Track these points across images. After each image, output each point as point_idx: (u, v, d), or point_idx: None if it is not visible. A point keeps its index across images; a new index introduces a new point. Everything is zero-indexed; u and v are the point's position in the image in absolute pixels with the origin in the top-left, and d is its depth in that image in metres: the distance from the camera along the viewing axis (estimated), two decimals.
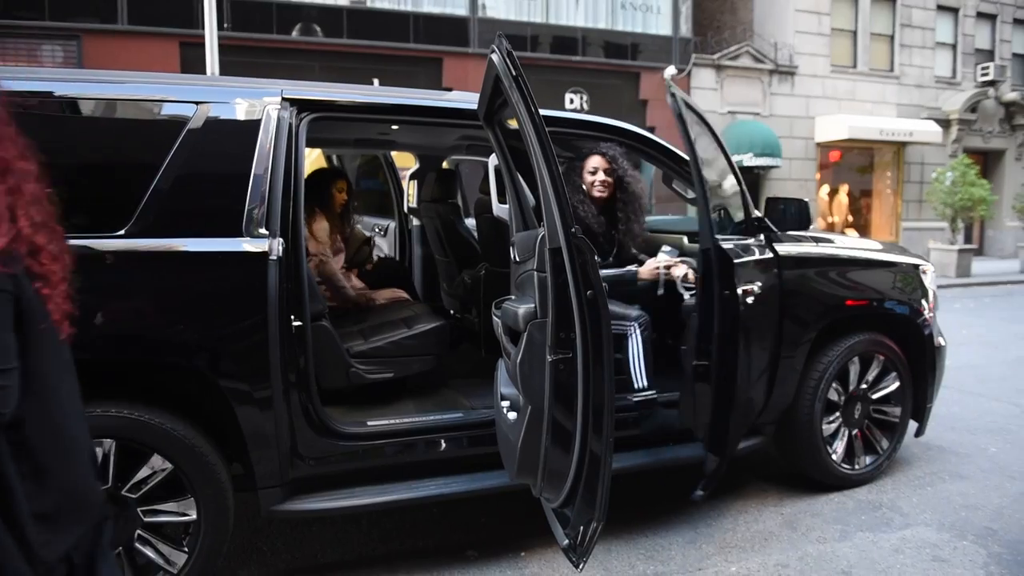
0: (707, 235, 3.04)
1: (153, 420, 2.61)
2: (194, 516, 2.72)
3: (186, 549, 2.73)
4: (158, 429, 2.62)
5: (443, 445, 3.14)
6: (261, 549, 3.32)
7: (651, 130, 3.95)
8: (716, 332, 3.09)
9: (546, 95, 14.34)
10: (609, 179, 3.65)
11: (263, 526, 3.47)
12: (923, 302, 4.13)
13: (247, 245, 2.73)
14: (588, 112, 14.22)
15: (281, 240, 2.76)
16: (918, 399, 4.13)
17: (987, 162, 20.79)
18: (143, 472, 2.65)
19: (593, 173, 3.64)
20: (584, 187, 3.65)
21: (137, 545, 2.68)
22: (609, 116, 3.73)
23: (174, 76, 3.17)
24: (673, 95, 3.12)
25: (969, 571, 3.14)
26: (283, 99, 2.94)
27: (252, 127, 2.86)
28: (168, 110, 2.85)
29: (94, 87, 2.81)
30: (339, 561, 3.26)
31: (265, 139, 2.85)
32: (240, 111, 2.89)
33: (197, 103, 2.80)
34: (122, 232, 2.60)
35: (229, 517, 2.79)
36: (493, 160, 4.84)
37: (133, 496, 2.66)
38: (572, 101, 15.60)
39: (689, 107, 3.22)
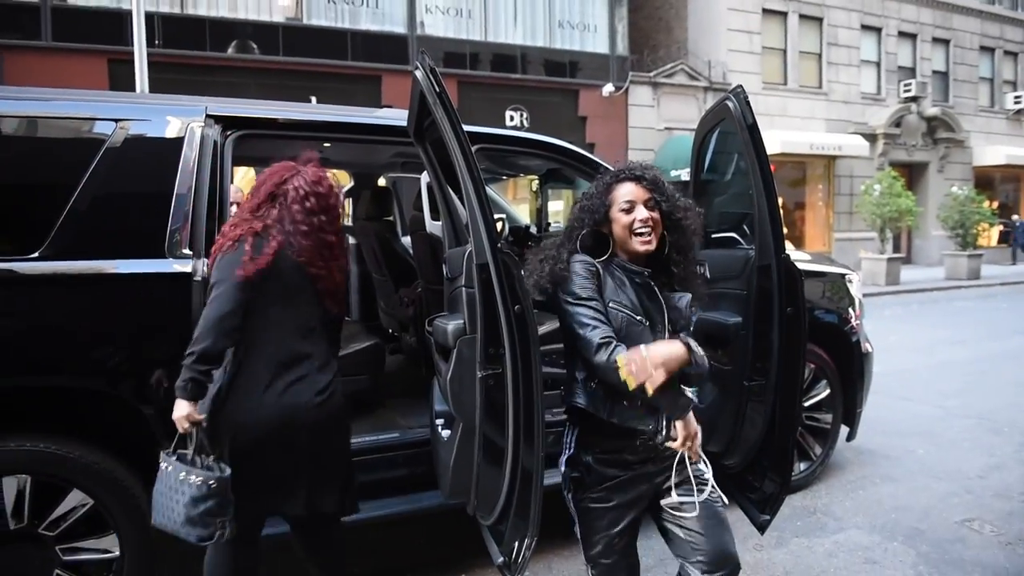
0: (768, 251, 2.89)
1: (71, 453, 2.51)
2: (116, 552, 2.61)
3: None
4: (77, 462, 2.51)
5: (379, 466, 3.09)
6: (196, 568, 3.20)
7: (590, 147, 3.86)
8: (778, 349, 2.86)
9: (486, 112, 14.43)
10: (655, 215, 2.11)
11: (191, 557, 3.34)
12: (850, 310, 4.26)
13: (170, 266, 2.65)
14: (528, 129, 14.34)
15: (205, 260, 2.68)
16: (848, 405, 4.25)
17: (912, 174, 21.70)
18: (61, 508, 2.54)
19: (628, 211, 2.10)
20: (615, 236, 2.15)
21: None
22: (549, 133, 3.74)
23: (93, 93, 3.07)
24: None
25: (899, 572, 3.23)
26: (207, 116, 2.87)
27: (175, 145, 2.78)
28: (85, 128, 2.75)
29: (6, 104, 2.70)
30: None
31: (189, 157, 2.78)
32: (162, 129, 2.81)
33: (116, 121, 2.72)
34: (36, 255, 2.50)
35: (153, 552, 2.68)
36: (426, 177, 4.83)
37: (51, 534, 2.54)
38: (512, 118, 15.72)
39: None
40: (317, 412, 2.30)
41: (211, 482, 2.17)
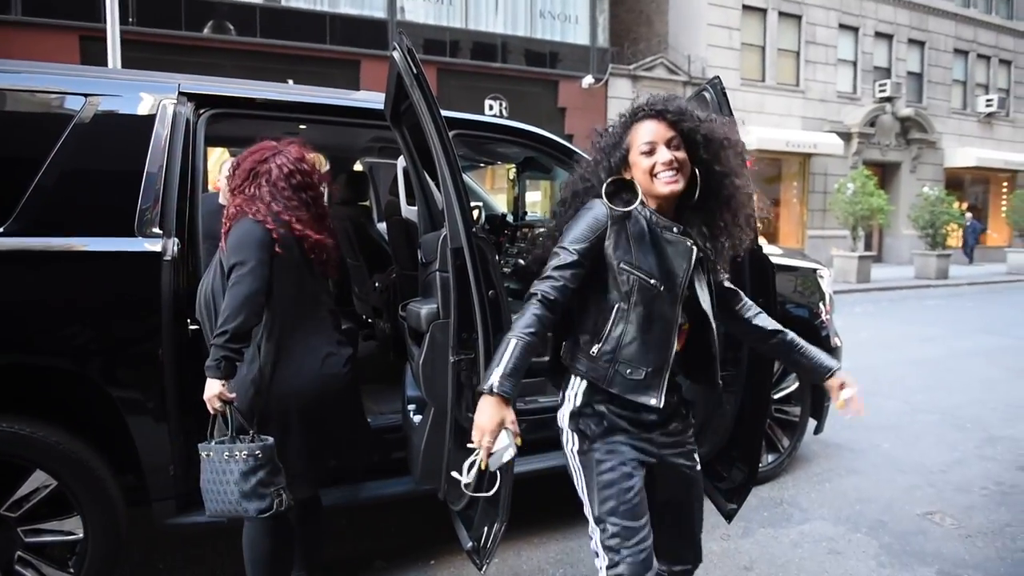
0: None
1: (35, 433, 2.46)
2: (80, 535, 2.57)
3: (72, 570, 2.57)
4: (41, 443, 2.46)
5: None
6: (157, 567, 3.17)
7: (569, 138, 3.83)
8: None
9: (466, 100, 14.37)
10: (680, 155, 1.85)
11: (160, 542, 3.32)
12: (820, 305, 4.31)
13: (140, 245, 2.61)
14: (508, 119, 14.28)
15: (176, 240, 2.64)
16: (816, 398, 4.30)
17: (884, 174, 22.01)
18: (24, 489, 2.49)
19: (650, 152, 1.85)
20: (636, 181, 1.89)
21: (18, 568, 2.51)
22: (528, 123, 3.72)
23: (62, 67, 2.99)
24: None
25: (862, 562, 3.28)
26: (180, 94, 2.82)
27: (146, 122, 2.73)
28: (54, 102, 2.69)
29: None
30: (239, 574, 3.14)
31: (160, 135, 2.73)
32: (133, 105, 2.76)
33: (86, 96, 2.66)
34: (0, 230, 2.44)
35: (119, 534, 2.64)
36: (402, 162, 4.80)
37: (13, 515, 2.49)
38: (492, 107, 15.67)
39: None
40: (346, 379, 2.45)
41: (257, 452, 2.22)
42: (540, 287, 1.80)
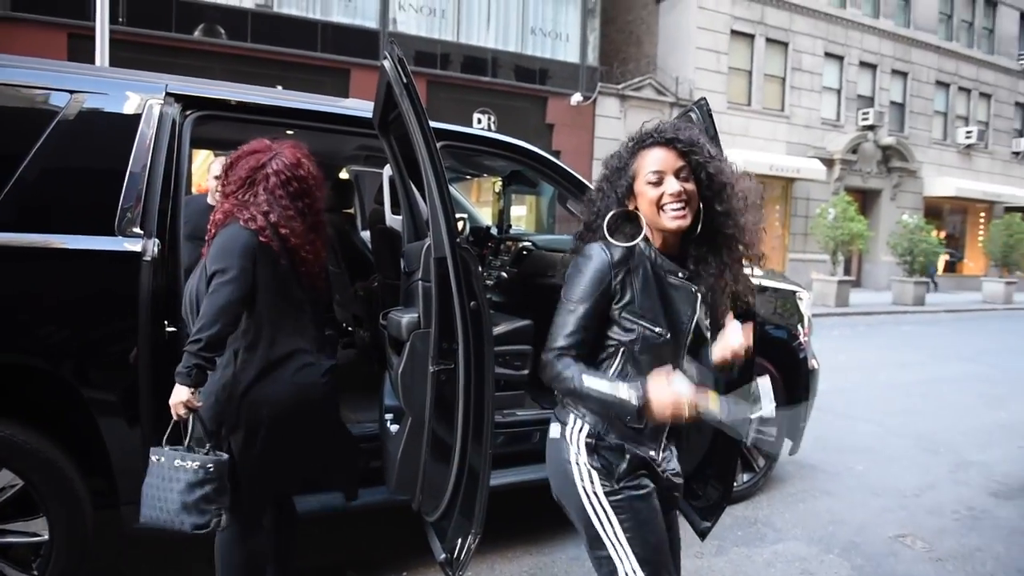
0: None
1: (3, 431, 2.41)
2: (46, 536, 2.52)
3: (35, 572, 2.52)
4: (7, 441, 2.42)
5: None
6: (123, 572, 3.12)
7: (556, 154, 3.82)
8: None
9: (455, 113, 14.39)
10: (690, 187, 1.75)
11: (128, 548, 3.26)
12: (799, 327, 4.34)
13: (120, 244, 2.58)
14: (495, 132, 14.33)
15: (157, 241, 2.62)
16: (793, 420, 4.32)
17: (865, 200, 22.28)
18: None
19: (657, 183, 1.74)
20: (643, 214, 1.79)
21: None
22: (516, 137, 3.73)
23: (48, 62, 2.96)
24: None
25: None
26: (167, 94, 2.80)
27: (131, 122, 2.71)
28: (38, 97, 2.66)
29: None
30: None
31: (145, 135, 2.71)
32: (119, 104, 2.74)
33: (71, 92, 2.64)
34: None
35: (86, 537, 2.59)
36: (388, 171, 4.79)
37: None
38: (480, 121, 15.71)
39: None
40: (324, 390, 2.38)
41: (208, 466, 2.16)
42: (565, 343, 1.71)
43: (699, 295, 1.78)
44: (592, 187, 1.90)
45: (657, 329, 1.72)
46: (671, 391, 1.56)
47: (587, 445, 1.75)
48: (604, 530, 1.74)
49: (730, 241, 1.79)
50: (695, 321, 1.78)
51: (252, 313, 2.29)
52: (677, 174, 1.73)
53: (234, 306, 2.19)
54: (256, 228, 2.27)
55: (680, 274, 1.78)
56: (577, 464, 1.76)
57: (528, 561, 3.36)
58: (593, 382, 1.65)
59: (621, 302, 1.71)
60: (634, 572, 1.72)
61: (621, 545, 1.73)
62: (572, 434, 1.78)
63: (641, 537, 1.73)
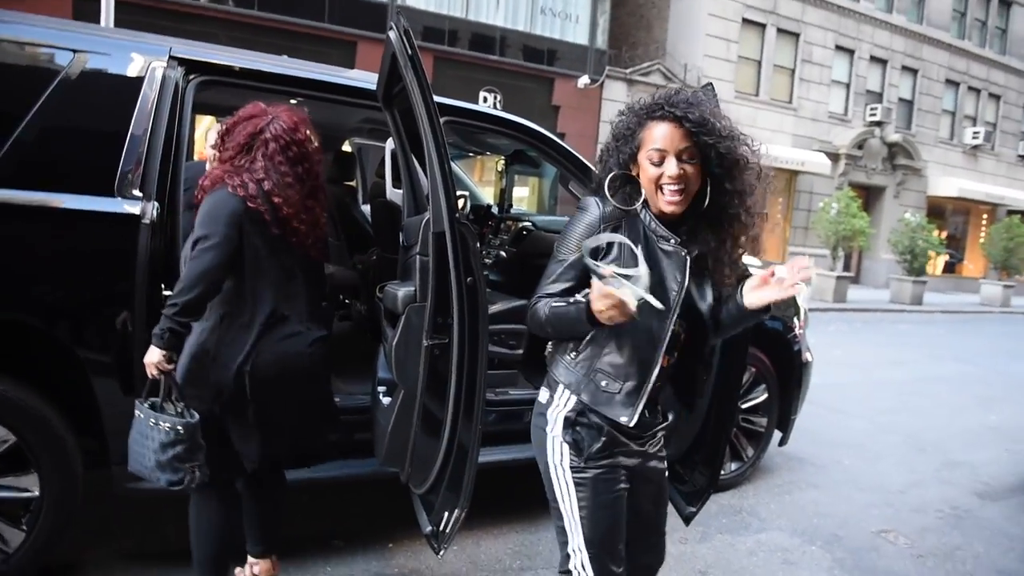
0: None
1: None
2: (36, 492, 2.54)
3: (24, 527, 2.55)
4: (1, 396, 2.43)
5: None
6: (112, 531, 3.15)
7: (561, 136, 3.79)
8: (720, 346, 2.80)
9: (461, 91, 14.28)
10: (689, 168, 1.71)
11: (120, 508, 3.28)
12: (795, 319, 4.35)
13: (119, 206, 2.58)
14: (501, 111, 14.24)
15: (156, 204, 2.62)
16: (784, 411, 4.35)
17: (869, 197, 22.26)
18: None
19: (658, 162, 1.71)
20: (641, 190, 1.78)
21: None
22: (521, 118, 3.71)
23: (52, 20, 2.95)
24: None
25: (814, 574, 3.33)
26: (171, 58, 2.79)
27: (134, 83, 2.70)
28: (42, 55, 2.65)
29: None
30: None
31: (148, 97, 2.70)
32: (123, 65, 2.72)
33: (75, 51, 2.63)
34: None
35: (76, 495, 2.62)
36: (391, 144, 4.78)
37: None
38: (486, 99, 15.63)
39: None
40: (310, 360, 2.36)
41: (179, 427, 2.17)
42: (544, 303, 1.73)
43: (688, 259, 1.74)
44: (602, 147, 1.88)
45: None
46: (601, 289, 1.53)
47: (565, 419, 1.78)
48: (563, 502, 1.80)
49: (733, 220, 1.76)
50: (684, 288, 1.74)
51: (239, 280, 2.27)
52: (680, 155, 1.69)
53: (213, 272, 2.18)
54: (245, 195, 2.24)
55: (673, 240, 1.76)
56: (552, 436, 1.81)
57: (513, 538, 3.40)
58: (557, 303, 1.70)
59: (607, 257, 1.70)
60: (580, 550, 1.79)
61: (574, 520, 1.79)
62: (554, 406, 1.81)
63: (594, 518, 1.77)
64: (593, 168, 1.93)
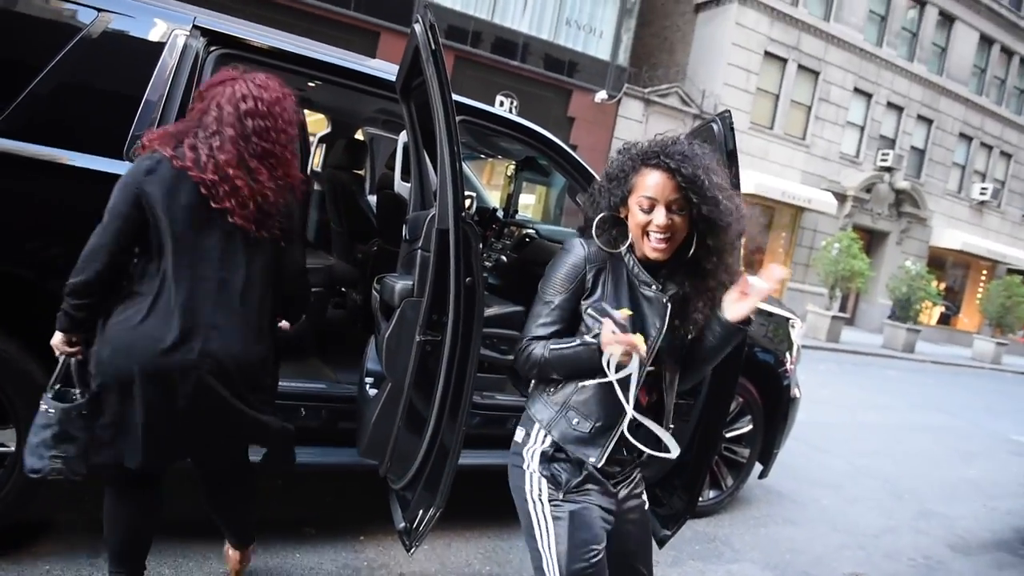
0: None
1: None
2: (12, 448, 2.52)
3: None
4: None
5: (302, 413, 3.05)
6: (90, 495, 3.12)
7: (573, 148, 3.74)
8: (712, 373, 2.84)
9: (479, 93, 14.28)
10: (678, 219, 1.76)
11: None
12: (787, 354, 4.35)
13: (125, 169, 2.56)
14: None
15: None
16: (767, 443, 4.35)
17: (872, 240, 22.31)
18: None
19: (647, 209, 1.76)
20: (628, 233, 1.82)
21: None
22: (536, 125, 3.69)
23: None
24: None
25: None
26: (194, 27, 2.78)
27: (154, 49, 2.69)
28: (65, 11, 2.63)
29: None
30: (172, 521, 3.09)
31: (167, 64, 2.69)
32: (145, 29, 2.71)
33: (99, 10, 2.62)
34: None
35: None
36: (404, 137, 4.78)
37: None
38: (503, 103, 15.65)
39: None
40: (186, 364, 1.97)
41: (50, 410, 2.03)
42: (534, 345, 1.79)
43: (669, 307, 1.78)
44: (594, 185, 1.92)
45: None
46: (610, 329, 1.60)
47: (542, 454, 1.81)
48: (541, 539, 1.80)
49: (709, 274, 1.80)
50: (663, 334, 1.78)
51: (148, 261, 2.03)
52: (669, 206, 1.74)
53: (100, 252, 1.97)
54: (173, 159, 2.01)
55: (654, 286, 1.80)
56: (529, 471, 1.84)
57: (484, 543, 3.38)
58: (558, 346, 1.75)
59: (590, 297, 1.77)
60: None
61: (551, 557, 1.77)
62: (531, 444, 1.84)
63: (572, 555, 1.76)
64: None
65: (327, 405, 3.10)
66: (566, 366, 1.75)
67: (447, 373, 2.16)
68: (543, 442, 1.82)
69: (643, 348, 1.59)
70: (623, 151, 1.86)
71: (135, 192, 2.00)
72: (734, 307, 1.74)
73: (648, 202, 1.74)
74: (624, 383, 1.65)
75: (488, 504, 3.67)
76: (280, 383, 2.95)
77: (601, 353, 1.63)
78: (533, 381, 1.92)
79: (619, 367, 1.61)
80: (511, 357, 3.66)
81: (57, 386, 2.11)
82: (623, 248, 1.79)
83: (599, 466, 1.78)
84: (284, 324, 2.42)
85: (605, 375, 1.64)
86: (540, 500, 1.80)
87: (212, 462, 2.34)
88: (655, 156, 1.75)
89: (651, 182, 1.74)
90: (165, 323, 1.98)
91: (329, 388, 3.18)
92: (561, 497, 1.78)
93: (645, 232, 1.76)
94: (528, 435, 1.85)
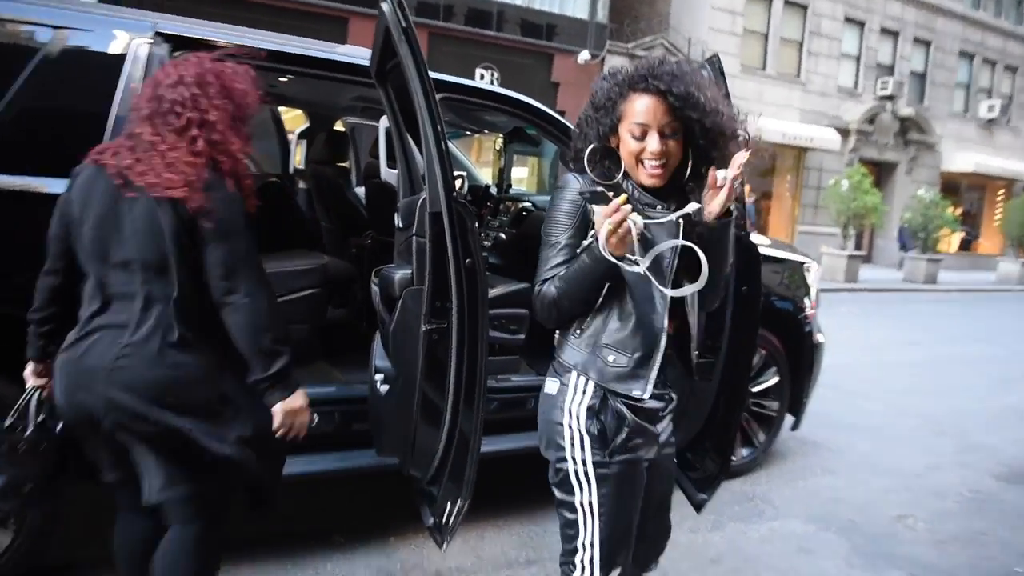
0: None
1: None
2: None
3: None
4: None
5: (314, 420, 3.03)
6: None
7: (561, 114, 3.70)
8: (730, 327, 2.85)
9: (457, 68, 14.06)
10: (672, 143, 1.73)
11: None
12: (806, 299, 4.33)
13: None
14: None
15: None
16: (796, 394, 4.33)
17: (880, 173, 22.17)
18: None
19: (640, 136, 1.72)
20: (620, 162, 1.78)
21: None
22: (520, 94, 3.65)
23: None
24: None
25: (831, 562, 3.32)
26: (156, 34, 2.74)
27: (117, 62, 2.65)
28: (21, 32, 2.60)
29: None
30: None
31: (133, 77, 2.65)
32: (105, 42, 2.68)
33: (55, 27, 2.58)
34: None
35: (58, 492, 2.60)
36: (384, 123, 4.74)
37: None
38: (483, 76, 15.52)
39: None
40: (120, 377, 1.79)
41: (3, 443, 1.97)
42: (548, 284, 1.73)
43: (681, 224, 1.71)
44: (580, 115, 1.86)
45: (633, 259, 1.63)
46: (601, 213, 1.55)
47: (589, 409, 1.74)
48: (580, 496, 1.75)
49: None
50: (677, 252, 1.73)
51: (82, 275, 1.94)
52: (662, 131, 1.70)
53: (41, 277, 1.99)
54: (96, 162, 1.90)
55: (659, 207, 1.74)
56: (570, 427, 1.76)
57: (519, 530, 3.39)
58: (564, 273, 1.70)
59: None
60: (591, 546, 1.75)
61: (590, 516, 1.75)
62: (571, 396, 1.77)
63: (613, 515, 1.75)
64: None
65: (339, 408, 3.10)
66: (578, 282, 1.68)
67: (458, 360, 2.15)
68: (586, 392, 1.76)
69: (628, 207, 1.53)
70: (608, 77, 1.80)
71: (58, 209, 1.94)
72: (711, 204, 1.67)
73: (640, 128, 1.70)
74: (657, 268, 1.62)
75: (517, 489, 3.67)
76: None
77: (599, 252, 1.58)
78: (558, 331, 1.87)
79: (624, 259, 1.57)
80: (522, 336, 3.66)
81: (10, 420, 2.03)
82: (619, 177, 1.74)
83: (646, 397, 1.75)
84: None
85: (621, 277, 1.62)
86: (583, 460, 1.75)
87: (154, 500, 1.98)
88: (643, 80, 1.71)
89: (641, 107, 1.70)
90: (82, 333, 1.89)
91: (339, 390, 3.18)
92: (607, 458, 1.74)
93: (639, 160, 1.73)
94: (565, 386, 1.78)
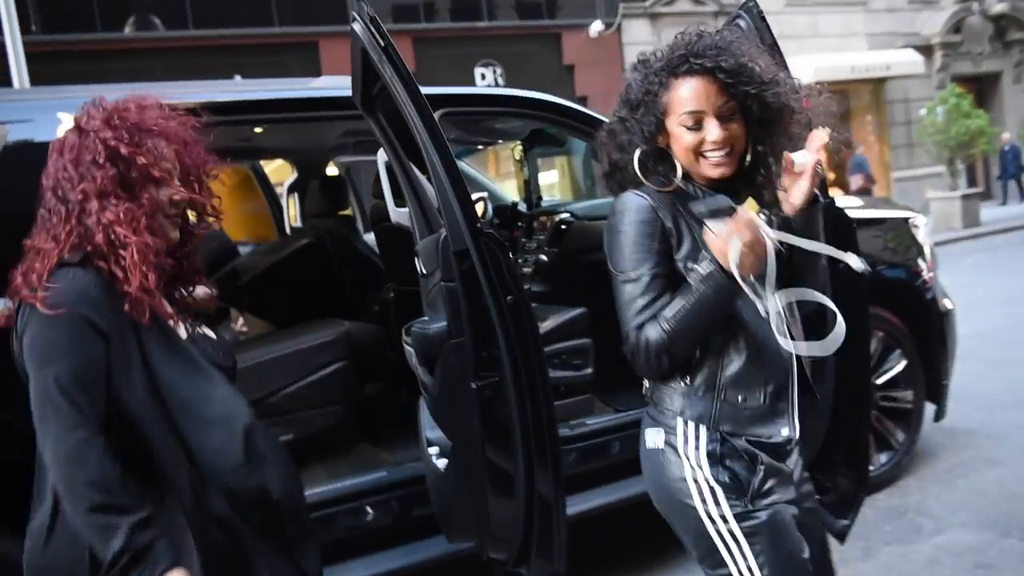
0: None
1: None
2: None
3: None
4: None
5: (369, 514, 3.10)
6: None
7: (582, 101, 3.73)
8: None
9: (451, 72, 14.41)
10: (734, 126, 1.72)
11: None
12: (919, 261, 4.28)
13: None
14: (505, 87, 14.32)
15: None
16: (932, 377, 4.26)
17: (981, 89, 21.75)
18: None
19: (695, 126, 1.71)
20: (675, 155, 1.78)
21: None
22: (531, 88, 3.71)
23: None
24: None
25: (1020, 574, 3.24)
26: None
27: None
28: None
29: None
30: None
31: None
32: (49, 131, 2.78)
33: None
34: None
35: None
36: (383, 156, 4.83)
37: None
38: (484, 76, 15.73)
39: None
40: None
41: None
42: (645, 329, 1.67)
43: (770, 220, 1.70)
44: (609, 119, 1.86)
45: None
46: (720, 233, 1.55)
47: (710, 455, 1.72)
48: (733, 559, 1.71)
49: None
50: (771, 253, 1.66)
51: None
52: (719, 114, 1.70)
53: None
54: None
55: (761, 215, 1.71)
56: (695, 481, 1.73)
57: None
58: (673, 309, 1.64)
59: (682, 251, 1.70)
60: None
61: (752, 574, 1.71)
62: (684, 443, 1.75)
63: (779, 567, 1.70)
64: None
65: (395, 494, 3.14)
66: (696, 318, 1.63)
67: (520, 414, 2.17)
68: (699, 437, 1.73)
69: (758, 219, 1.53)
70: (640, 67, 1.80)
71: None
72: (793, 195, 1.66)
73: (693, 118, 1.70)
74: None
75: (619, 548, 3.67)
76: (330, 485, 3.01)
77: (724, 270, 1.55)
78: (652, 382, 1.85)
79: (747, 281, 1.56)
80: (589, 370, 3.68)
81: None
82: (678, 180, 1.75)
83: (793, 436, 1.75)
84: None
85: (744, 294, 1.59)
86: (722, 517, 1.70)
87: None
88: (684, 61, 1.70)
89: (689, 93, 1.70)
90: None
91: (391, 474, 3.23)
92: (749, 507, 1.70)
93: (699, 154, 1.73)
94: (671, 434, 1.76)
